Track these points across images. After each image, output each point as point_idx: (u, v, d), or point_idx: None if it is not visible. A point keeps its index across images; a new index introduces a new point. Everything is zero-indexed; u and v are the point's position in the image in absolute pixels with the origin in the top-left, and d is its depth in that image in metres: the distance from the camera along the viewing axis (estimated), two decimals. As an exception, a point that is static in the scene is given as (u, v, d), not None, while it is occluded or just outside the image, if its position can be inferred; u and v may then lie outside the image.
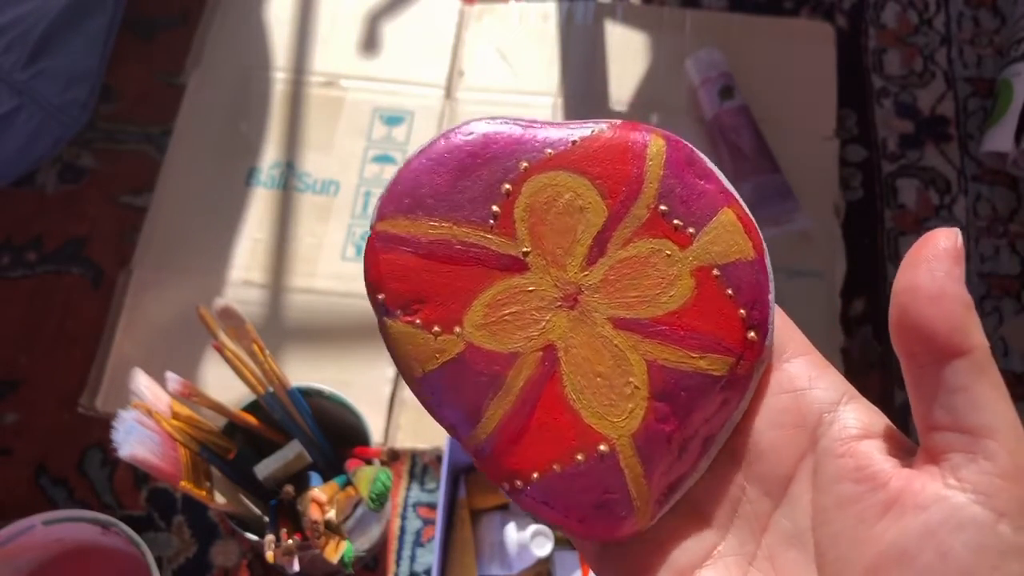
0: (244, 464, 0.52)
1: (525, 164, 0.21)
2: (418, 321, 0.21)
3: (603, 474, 0.20)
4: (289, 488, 0.49)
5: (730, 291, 0.21)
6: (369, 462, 0.52)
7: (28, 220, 0.72)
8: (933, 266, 0.18)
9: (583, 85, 0.78)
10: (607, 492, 0.20)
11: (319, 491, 0.48)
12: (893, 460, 0.19)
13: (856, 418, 0.20)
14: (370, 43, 0.79)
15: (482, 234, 0.21)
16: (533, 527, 0.56)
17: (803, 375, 0.21)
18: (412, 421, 0.65)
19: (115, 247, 0.71)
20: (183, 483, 0.45)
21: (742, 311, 0.21)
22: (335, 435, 0.55)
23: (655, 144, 0.21)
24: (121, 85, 0.78)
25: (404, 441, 0.64)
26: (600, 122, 0.21)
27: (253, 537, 0.49)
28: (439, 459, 0.64)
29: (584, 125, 0.21)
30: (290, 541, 0.46)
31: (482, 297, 0.21)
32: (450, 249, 0.21)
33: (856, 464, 0.19)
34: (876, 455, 0.19)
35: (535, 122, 0.22)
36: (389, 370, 0.66)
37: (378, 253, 0.21)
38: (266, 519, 0.50)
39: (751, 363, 0.21)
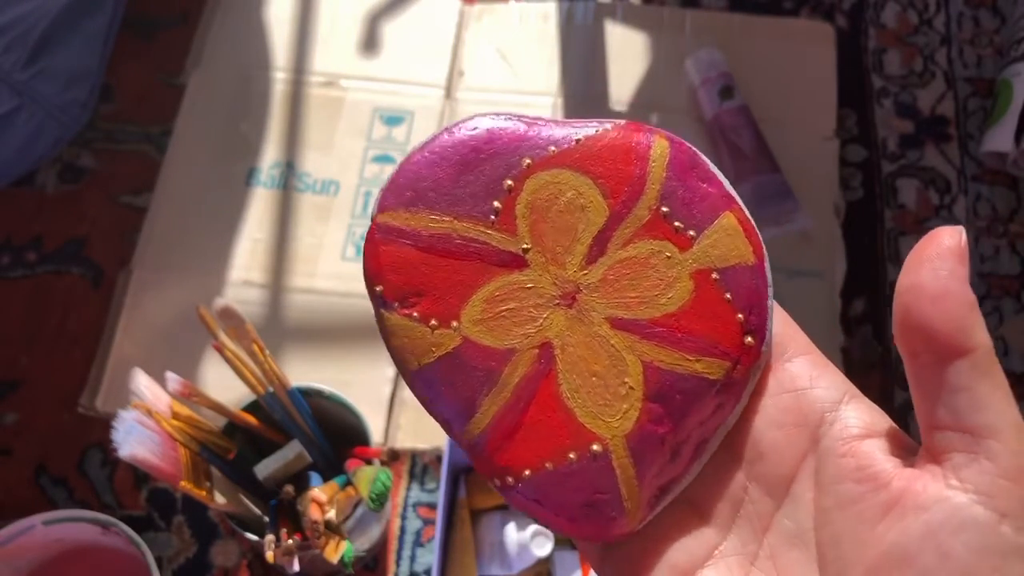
0: (244, 464, 0.51)
1: (528, 161, 0.21)
2: (415, 314, 0.20)
3: (595, 474, 0.20)
4: (289, 488, 0.49)
5: (729, 295, 0.21)
6: (369, 462, 0.52)
7: (28, 220, 0.72)
8: (936, 265, 0.18)
9: (583, 85, 0.78)
10: (598, 492, 0.20)
11: (319, 491, 0.47)
12: (895, 460, 0.19)
13: (858, 417, 0.20)
14: (370, 43, 0.79)
15: (483, 229, 0.21)
16: (533, 527, 0.55)
17: (804, 374, 0.21)
18: (412, 421, 0.65)
19: (115, 247, 0.71)
20: (183, 483, 0.45)
21: (740, 315, 0.21)
22: (335, 435, 0.55)
23: (659, 145, 0.21)
24: (121, 85, 0.78)
25: (404, 441, 0.64)
26: (604, 122, 0.21)
27: (253, 537, 0.49)
28: (439, 459, 0.64)
29: (588, 124, 0.21)
30: (290, 541, 0.46)
31: (480, 292, 0.21)
32: (450, 243, 0.21)
33: (857, 464, 0.19)
34: (878, 455, 0.19)
35: (539, 119, 0.21)
36: (389, 370, 0.66)
37: (378, 245, 0.21)
38: (266, 519, 0.50)
39: (747, 368, 0.21)
